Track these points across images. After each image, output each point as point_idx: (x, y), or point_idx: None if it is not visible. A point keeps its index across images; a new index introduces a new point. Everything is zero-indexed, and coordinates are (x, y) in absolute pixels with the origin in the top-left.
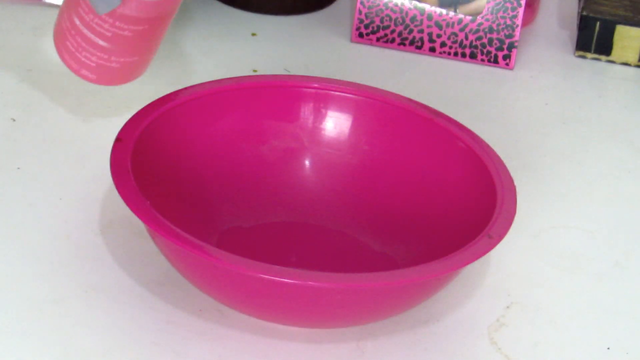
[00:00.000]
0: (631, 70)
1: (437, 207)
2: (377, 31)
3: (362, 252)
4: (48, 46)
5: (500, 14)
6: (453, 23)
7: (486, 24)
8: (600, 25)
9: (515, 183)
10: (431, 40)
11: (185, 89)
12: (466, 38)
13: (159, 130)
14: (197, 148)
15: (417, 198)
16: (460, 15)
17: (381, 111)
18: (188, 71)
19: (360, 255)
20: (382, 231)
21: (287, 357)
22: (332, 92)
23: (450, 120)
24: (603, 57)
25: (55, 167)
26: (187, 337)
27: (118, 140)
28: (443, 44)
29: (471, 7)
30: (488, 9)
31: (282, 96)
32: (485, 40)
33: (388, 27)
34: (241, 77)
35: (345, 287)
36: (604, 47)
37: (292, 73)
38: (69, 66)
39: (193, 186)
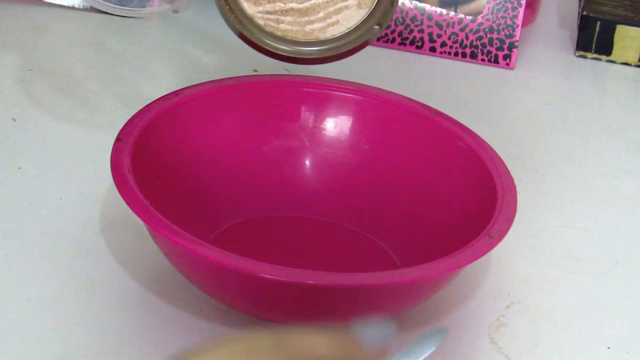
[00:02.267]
0: (631, 70)
1: (437, 206)
2: None
3: (362, 252)
4: (48, 46)
5: (501, 13)
6: (453, 23)
7: (486, 24)
8: (600, 25)
9: (515, 183)
10: (431, 40)
11: (186, 88)
12: (466, 38)
13: (159, 129)
14: (197, 148)
15: (417, 198)
16: (461, 15)
17: (381, 111)
18: (188, 71)
19: (360, 255)
20: (381, 231)
21: None
22: (332, 92)
23: (450, 120)
24: (603, 57)
25: (55, 167)
26: (188, 336)
27: (118, 139)
28: (443, 44)
29: (471, 6)
30: (488, 8)
31: (282, 96)
32: (485, 40)
33: (388, 26)
34: (241, 77)
35: (344, 287)
36: (605, 47)
37: (292, 73)
38: None
39: (193, 185)
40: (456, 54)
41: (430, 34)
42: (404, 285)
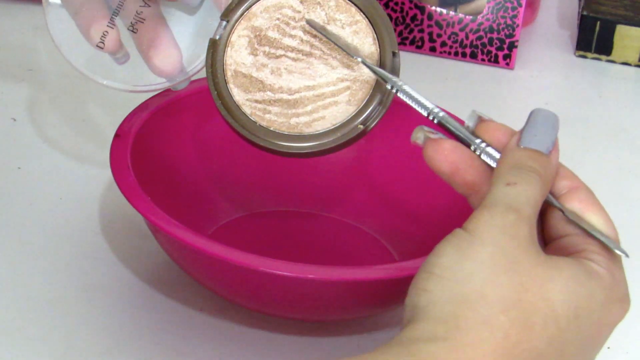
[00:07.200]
0: (631, 70)
1: (435, 200)
2: None
3: (360, 245)
4: (48, 46)
5: (501, 13)
6: (453, 23)
7: (486, 24)
8: (600, 25)
9: None
10: (431, 40)
11: None
12: (466, 38)
13: (158, 125)
14: (195, 143)
15: (415, 192)
16: (461, 15)
17: None
18: None
19: (358, 248)
20: (380, 225)
21: (288, 354)
22: None
23: (448, 114)
24: (603, 57)
25: (55, 167)
26: (188, 335)
27: (117, 136)
28: (443, 44)
29: (471, 6)
30: (488, 8)
31: None
32: (485, 40)
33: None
34: None
35: (343, 281)
36: (605, 46)
37: None
38: None
39: (192, 181)
40: (456, 54)
41: (430, 34)
42: (402, 279)
